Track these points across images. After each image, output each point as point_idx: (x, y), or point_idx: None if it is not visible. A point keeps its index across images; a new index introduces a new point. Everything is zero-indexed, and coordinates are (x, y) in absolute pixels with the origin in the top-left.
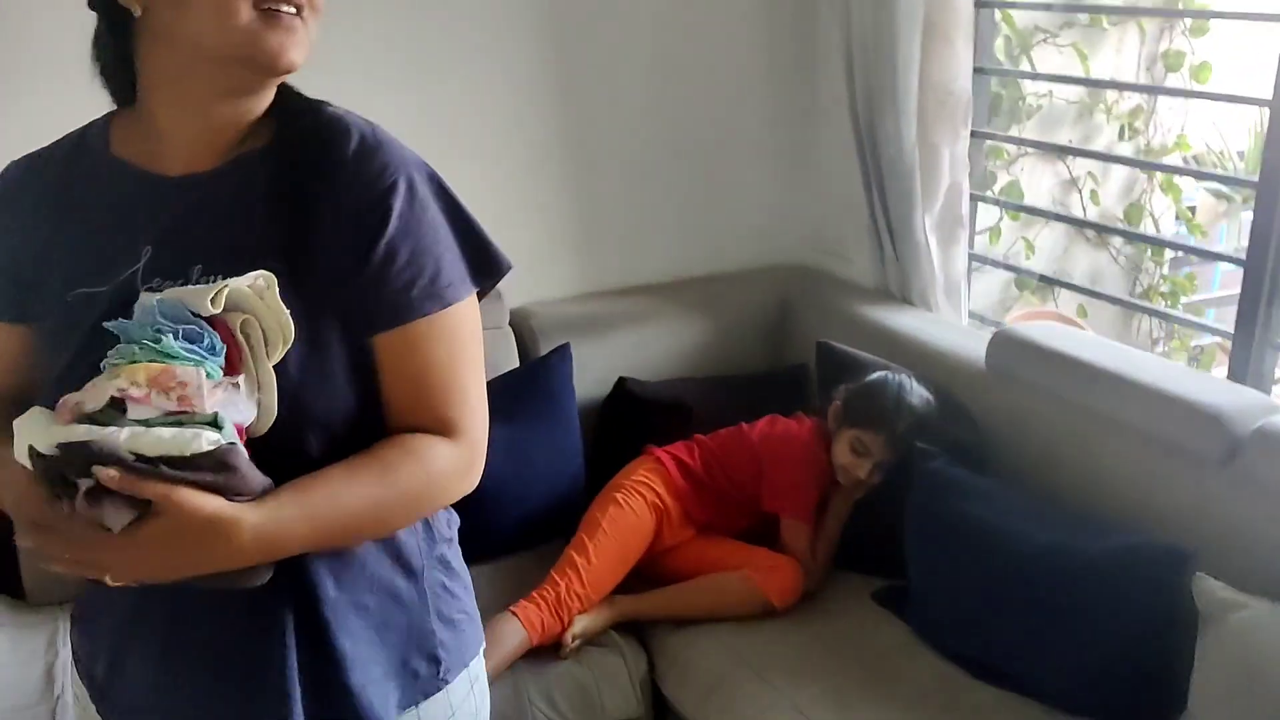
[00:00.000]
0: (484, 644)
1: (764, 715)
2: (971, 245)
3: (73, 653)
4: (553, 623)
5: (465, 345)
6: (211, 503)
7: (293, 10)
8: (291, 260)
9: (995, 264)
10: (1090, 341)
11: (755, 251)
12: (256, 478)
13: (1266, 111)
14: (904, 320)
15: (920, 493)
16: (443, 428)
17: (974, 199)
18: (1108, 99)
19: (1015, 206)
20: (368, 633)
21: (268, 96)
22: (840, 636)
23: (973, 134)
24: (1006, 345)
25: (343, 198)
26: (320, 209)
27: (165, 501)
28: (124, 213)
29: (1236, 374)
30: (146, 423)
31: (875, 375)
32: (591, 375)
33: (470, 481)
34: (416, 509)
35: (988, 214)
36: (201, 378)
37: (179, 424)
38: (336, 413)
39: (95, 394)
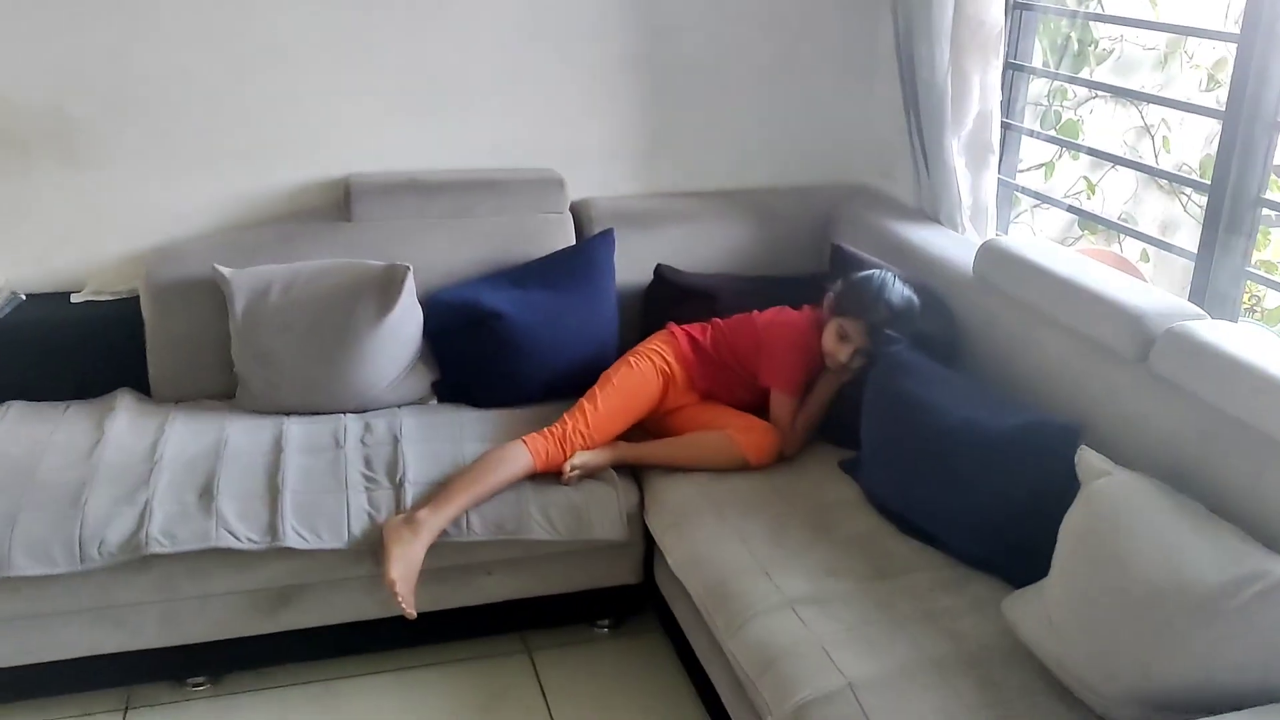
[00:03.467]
0: None
1: (711, 539)
2: (1011, 175)
3: None
4: (556, 454)
5: None
6: None
7: None
8: None
9: (1026, 192)
10: (1062, 255)
11: (816, 170)
12: None
13: None
14: (921, 234)
15: (878, 372)
16: None
17: (1009, 129)
18: (1187, 48)
19: (1046, 139)
20: None
21: None
22: (797, 490)
23: (1018, 69)
24: (989, 255)
25: None
26: None
27: None
28: None
29: (1196, 295)
30: None
31: (865, 272)
32: (640, 263)
33: None
34: None
35: (1046, 152)
36: None
37: None
38: None
39: None
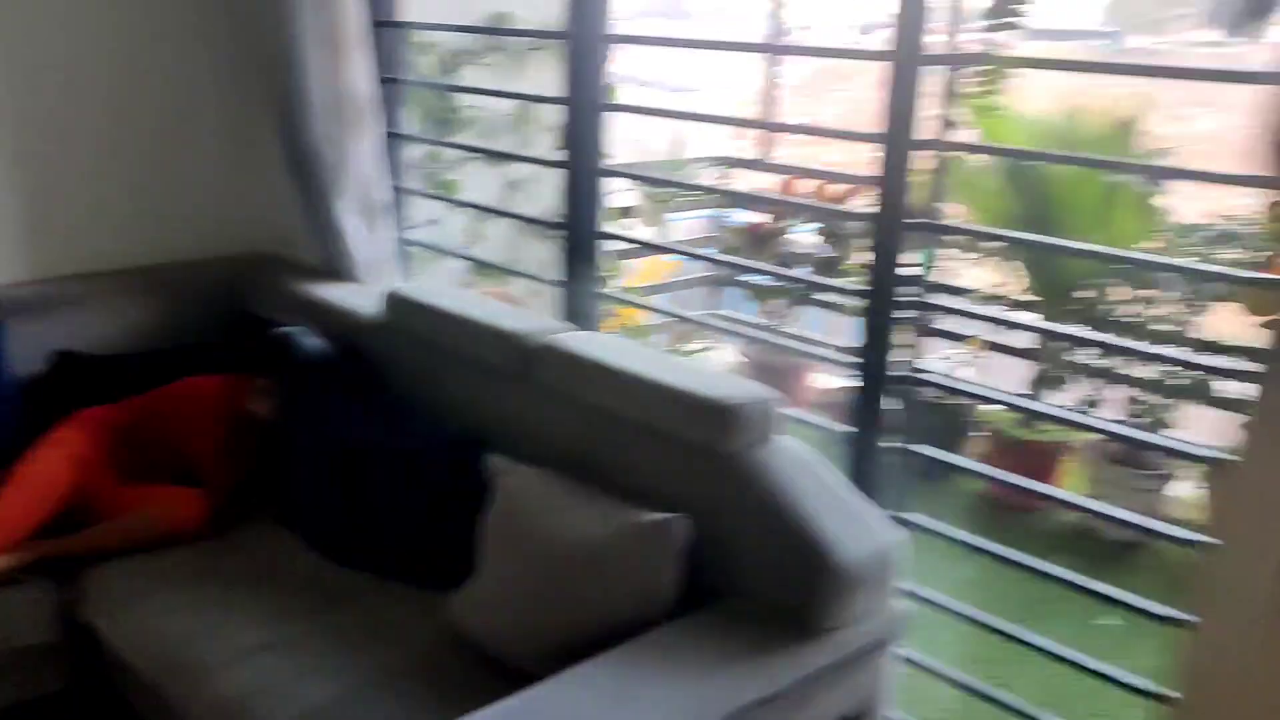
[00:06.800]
0: None
1: (160, 613)
2: (409, 231)
3: None
4: None
5: None
6: None
7: None
8: None
9: (422, 245)
10: (452, 294)
11: (213, 240)
12: None
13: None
14: (330, 291)
15: (291, 418)
16: None
17: (400, 190)
18: (539, 114)
19: (432, 196)
20: None
21: None
22: (237, 551)
23: (396, 136)
24: (394, 302)
25: None
26: None
27: None
28: None
29: (567, 316)
30: None
31: (273, 331)
32: (36, 353)
33: None
34: None
35: (436, 208)
36: None
37: None
38: None
39: None
